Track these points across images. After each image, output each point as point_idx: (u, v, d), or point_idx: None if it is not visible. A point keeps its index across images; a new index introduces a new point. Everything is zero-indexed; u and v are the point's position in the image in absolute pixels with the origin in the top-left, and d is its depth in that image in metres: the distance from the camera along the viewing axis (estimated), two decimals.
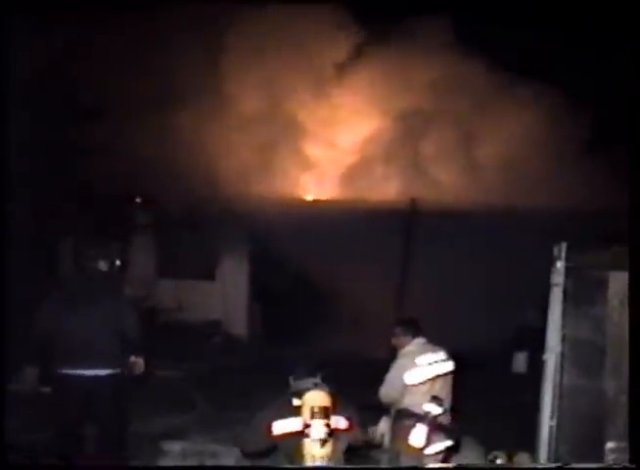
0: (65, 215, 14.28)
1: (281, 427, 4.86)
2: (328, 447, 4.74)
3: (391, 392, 5.95)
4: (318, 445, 4.71)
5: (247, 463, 5.53)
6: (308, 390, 4.93)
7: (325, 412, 4.77)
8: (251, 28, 13.59)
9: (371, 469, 5.78)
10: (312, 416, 4.75)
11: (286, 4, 13.39)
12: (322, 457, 4.75)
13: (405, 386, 5.85)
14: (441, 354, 6.04)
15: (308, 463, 4.76)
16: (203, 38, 13.25)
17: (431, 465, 5.60)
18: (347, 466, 4.85)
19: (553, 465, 3.40)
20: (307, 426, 4.75)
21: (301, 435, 4.76)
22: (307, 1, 13.41)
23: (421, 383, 5.84)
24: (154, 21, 12.31)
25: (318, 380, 5.09)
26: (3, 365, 4.94)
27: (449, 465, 5.76)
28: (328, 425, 4.77)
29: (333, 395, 4.87)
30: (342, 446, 5.04)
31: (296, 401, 4.89)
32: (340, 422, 4.94)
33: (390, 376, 5.98)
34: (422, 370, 5.86)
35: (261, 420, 4.97)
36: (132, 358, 6.43)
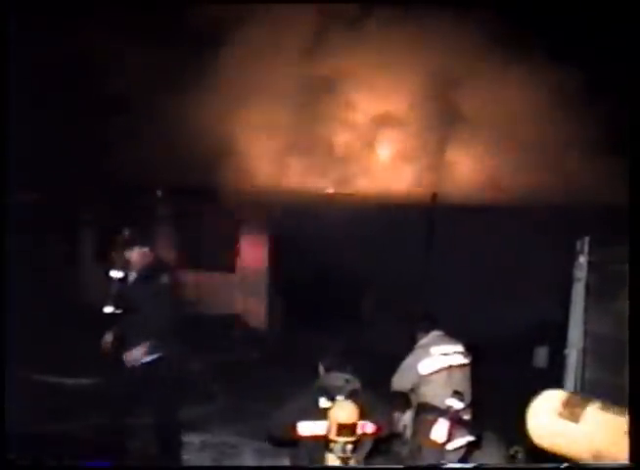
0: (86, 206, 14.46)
1: (306, 429, 4.71)
2: (350, 462, 4.54)
3: (403, 380, 5.99)
4: (340, 461, 4.51)
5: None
6: (338, 389, 4.80)
7: (351, 429, 4.55)
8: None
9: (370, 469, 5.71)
10: (338, 433, 4.52)
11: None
12: None
13: (419, 376, 5.87)
14: (458, 347, 6.06)
15: None
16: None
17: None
18: (349, 466, 4.74)
19: (553, 465, 3.40)
20: (331, 441, 4.52)
21: (325, 439, 4.56)
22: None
23: (436, 373, 5.85)
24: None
25: (349, 376, 4.97)
26: (3, 363, 4.96)
27: (453, 465, 5.74)
28: (353, 442, 4.55)
29: (360, 406, 4.65)
30: (367, 448, 4.95)
31: (323, 402, 4.73)
32: (367, 426, 4.78)
33: (404, 365, 6.04)
34: (435, 360, 5.89)
35: (289, 413, 4.86)
36: None
